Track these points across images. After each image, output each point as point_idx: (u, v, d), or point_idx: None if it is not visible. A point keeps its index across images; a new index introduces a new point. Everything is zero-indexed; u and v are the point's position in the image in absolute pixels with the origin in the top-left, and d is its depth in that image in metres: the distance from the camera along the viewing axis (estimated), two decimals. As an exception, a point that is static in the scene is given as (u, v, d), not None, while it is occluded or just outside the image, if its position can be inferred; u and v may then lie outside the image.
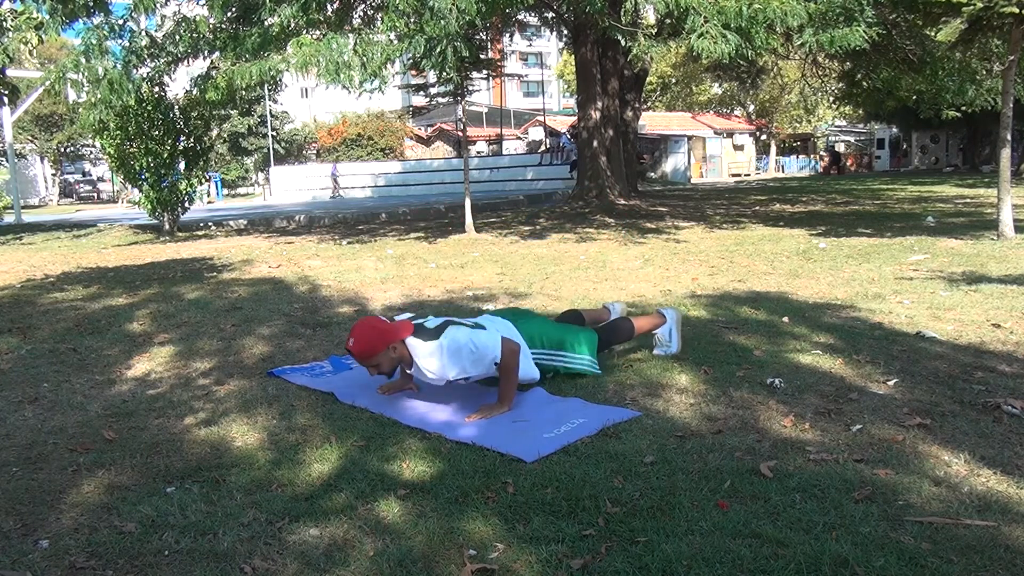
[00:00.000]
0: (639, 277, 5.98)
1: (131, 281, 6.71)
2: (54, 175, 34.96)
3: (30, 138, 32.52)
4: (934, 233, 7.98)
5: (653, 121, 33.84)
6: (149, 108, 11.63)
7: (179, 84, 12.57)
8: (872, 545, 1.81)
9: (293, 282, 6.30)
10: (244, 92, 9.46)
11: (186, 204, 12.79)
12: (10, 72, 12.61)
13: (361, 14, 12.39)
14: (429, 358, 2.86)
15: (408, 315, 3.15)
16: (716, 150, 33.78)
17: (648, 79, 24.40)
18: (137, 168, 12.00)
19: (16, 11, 9.23)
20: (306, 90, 41.15)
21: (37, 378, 3.60)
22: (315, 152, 37.56)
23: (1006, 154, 7.29)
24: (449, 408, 2.93)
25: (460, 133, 16.08)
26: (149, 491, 2.27)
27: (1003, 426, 2.53)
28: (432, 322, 2.98)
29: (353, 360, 3.69)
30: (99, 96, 9.16)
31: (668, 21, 11.91)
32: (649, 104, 35.10)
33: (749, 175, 33.88)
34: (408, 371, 3.03)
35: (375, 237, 10.56)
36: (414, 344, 2.89)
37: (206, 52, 10.45)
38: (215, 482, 2.31)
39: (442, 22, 7.13)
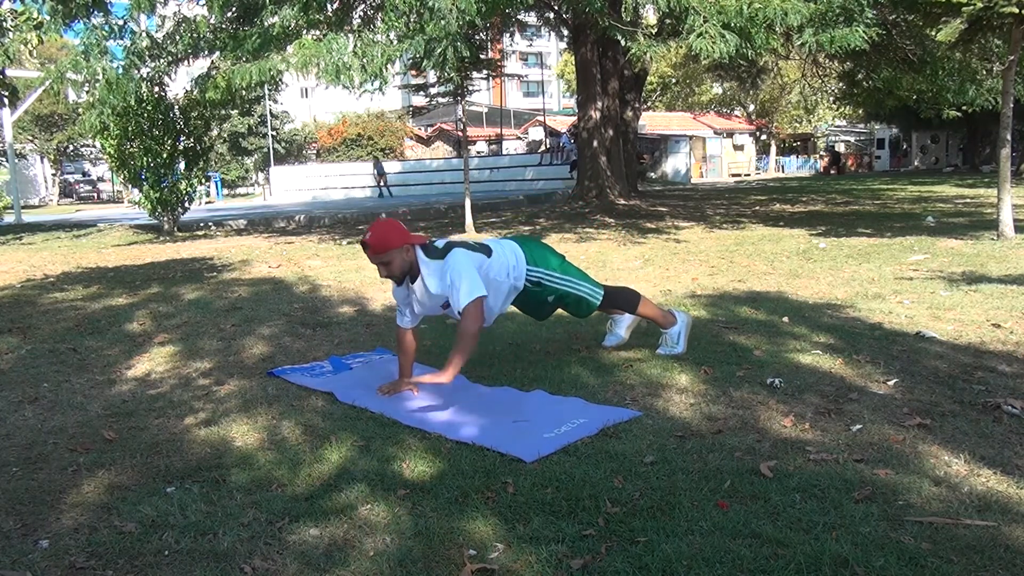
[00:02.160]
0: (639, 277, 5.98)
1: (131, 281, 6.71)
2: (54, 175, 34.95)
3: (30, 138, 32.51)
4: (934, 233, 7.98)
5: (653, 121, 33.84)
6: (149, 108, 11.63)
7: (179, 84, 12.58)
8: (872, 545, 1.81)
9: (293, 282, 6.30)
10: (244, 92, 9.47)
11: (186, 204, 12.79)
12: (10, 72, 12.61)
13: (361, 14, 12.38)
14: (431, 277, 3.01)
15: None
16: (716, 150, 33.76)
17: (648, 79, 24.39)
18: (137, 168, 11.99)
19: (16, 11, 9.23)
20: (306, 90, 41.14)
21: (37, 378, 3.60)
22: (315, 152, 37.56)
23: (1006, 154, 7.29)
24: (449, 408, 2.93)
25: (460, 133, 16.08)
26: (149, 491, 2.27)
27: (1003, 426, 2.53)
28: (440, 242, 3.10)
29: (352, 360, 3.70)
30: (98, 96, 9.17)
31: (668, 21, 11.91)
32: (649, 104, 35.11)
33: (749, 175, 33.87)
34: (411, 284, 3.08)
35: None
36: (422, 258, 3.03)
37: (206, 52, 10.46)
38: (215, 482, 2.32)
39: (442, 22, 7.12)
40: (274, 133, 34.93)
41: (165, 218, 12.50)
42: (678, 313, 3.62)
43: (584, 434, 2.56)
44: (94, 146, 29.92)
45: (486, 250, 3.14)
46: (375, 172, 25.67)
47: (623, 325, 3.72)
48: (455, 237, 3.09)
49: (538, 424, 2.68)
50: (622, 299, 3.54)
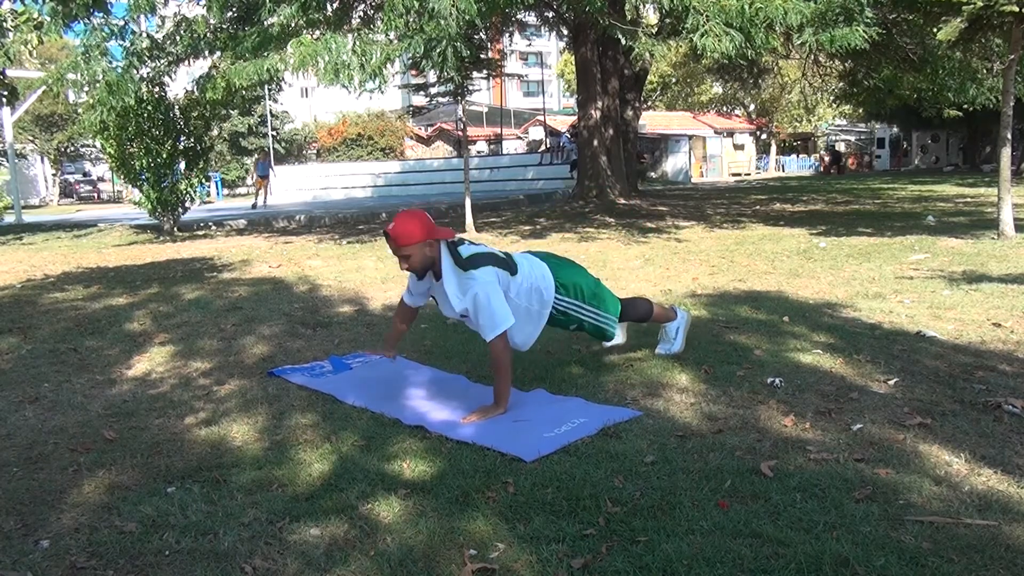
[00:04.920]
0: (639, 277, 5.98)
1: (131, 281, 6.71)
2: (54, 175, 34.93)
3: (30, 138, 32.50)
4: (935, 232, 7.98)
5: (653, 120, 33.81)
6: (149, 108, 11.63)
7: (179, 84, 12.57)
8: (872, 545, 1.81)
9: (293, 282, 6.30)
10: (244, 92, 9.46)
11: (186, 204, 12.79)
12: (10, 72, 12.60)
13: (360, 14, 12.38)
14: (452, 286, 2.87)
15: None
16: (716, 149, 33.73)
17: (648, 78, 24.38)
18: (137, 168, 11.99)
19: (16, 12, 9.23)
20: (306, 90, 41.11)
21: (38, 378, 3.61)
22: (315, 152, 37.57)
23: (1006, 153, 7.29)
24: (449, 407, 2.93)
25: (460, 133, 16.08)
26: (150, 491, 2.27)
27: (1003, 425, 2.53)
28: (467, 248, 2.93)
29: (353, 359, 3.70)
30: (98, 97, 9.18)
31: (668, 20, 11.91)
32: (649, 104, 35.08)
33: (749, 175, 33.85)
34: (435, 282, 2.98)
35: (376, 237, 10.55)
36: (445, 259, 2.88)
37: (206, 52, 10.46)
38: (216, 482, 2.32)
39: (442, 23, 7.12)
40: (274, 133, 34.90)
41: (165, 218, 12.50)
42: (678, 310, 3.63)
43: (584, 434, 2.56)
44: (94, 146, 29.92)
45: (512, 267, 2.98)
46: (256, 172, 20.68)
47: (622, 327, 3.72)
48: (482, 245, 2.95)
49: (538, 424, 2.68)
50: (635, 310, 3.48)
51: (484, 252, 2.95)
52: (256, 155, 25.92)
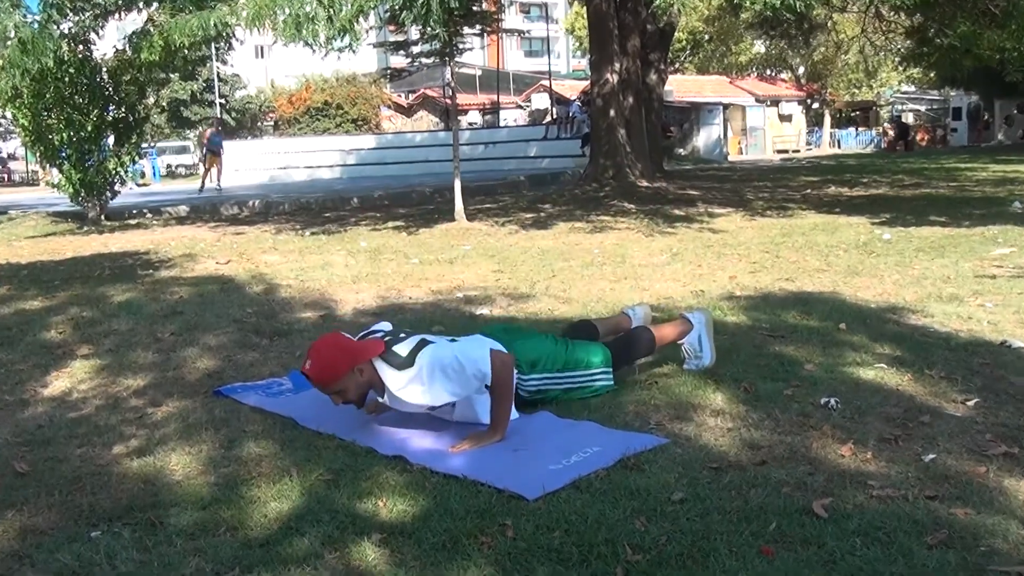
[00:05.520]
0: (665, 275, 5.99)
1: (48, 280, 6.72)
2: (-44, 152, 35.03)
3: (-73, 107, 32.58)
4: (1022, 222, 8.00)
5: (682, 86, 33.90)
6: (71, 71, 11.61)
7: (108, 42, 12.56)
8: (949, 601, 1.81)
9: (245, 281, 6.31)
10: (187, 51, 9.47)
11: (116, 187, 12.79)
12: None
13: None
14: (407, 389, 2.84)
15: (381, 330, 3.11)
16: (758, 121, 33.86)
17: (676, 36, 24.44)
18: (56, 143, 11.99)
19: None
20: (261, 49, 41.20)
21: (-66, 398, 3.60)
22: (273, 123, 37.64)
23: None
24: (435, 435, 2.93)
25: (448, 101, 16.11)
26: (70, 536, 2.27)
27: (1107, 456, 2.53)
28: (402, 346, 2.91)
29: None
30: (9, 58, 9.17)
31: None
32: (677, 66, 35.18)
33: (798, 151, 33.96)
34: (381, 399, 2.99)
35: (345, 227, 10.58)
36: (384, 370, 2.86)
37: (141, 3, 10.46)
38: (150, 524, 2.31)
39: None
40: (223, 101, 34.99)
41: (90, 204, 12.51)
42: (691, 315, 3.60)
43: (599, 465, 2.56)
44: (4, 117, 29.91)
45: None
46: (205, 149, 21.01)
47: None
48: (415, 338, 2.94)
49: (543, 453, 2.68)
50: (634, 349, 3.47)
51: (423, 337, 2.98)
52: (204, 126, 25.85)
